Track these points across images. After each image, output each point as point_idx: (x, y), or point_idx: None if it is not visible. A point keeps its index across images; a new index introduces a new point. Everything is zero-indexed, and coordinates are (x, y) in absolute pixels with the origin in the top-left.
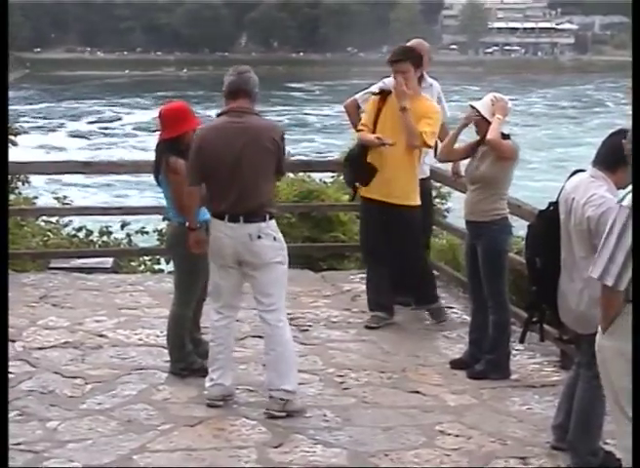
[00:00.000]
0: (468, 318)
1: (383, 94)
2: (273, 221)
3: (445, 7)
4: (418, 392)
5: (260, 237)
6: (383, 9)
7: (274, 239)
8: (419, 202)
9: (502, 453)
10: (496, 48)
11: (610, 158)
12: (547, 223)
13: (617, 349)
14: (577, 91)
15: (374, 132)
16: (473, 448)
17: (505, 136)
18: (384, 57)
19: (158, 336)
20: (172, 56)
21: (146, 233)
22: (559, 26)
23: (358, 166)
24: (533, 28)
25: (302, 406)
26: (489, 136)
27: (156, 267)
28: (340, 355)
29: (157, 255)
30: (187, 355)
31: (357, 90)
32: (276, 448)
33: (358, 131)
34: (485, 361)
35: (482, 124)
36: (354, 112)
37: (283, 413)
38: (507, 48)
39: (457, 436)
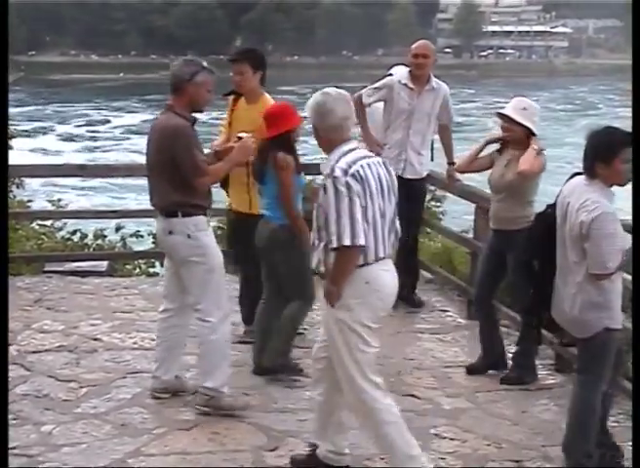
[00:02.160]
0: (463, 321)
1: (237, 94)
2: (192, 219)
3: (440, 10)
4: (413, 395)
5: (170, 233)
6: (379, 12)
7: (188, 236)
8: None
9: (497, 457)
10: (490, 51)
11: (601, 152)
12: (545, 226)
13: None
14: (570, 94)
15: (229, 133)
16: (468, 451)
17: (538, 151)
18: (379, 60)
19: (153, 340)
20: (167, 58)
21: (141, 236)
22: (553, 30)
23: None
24: (527, 32)
25: (240, 404)
26: (522, 168)
27: (151, 270)
28: None
29: (152, 259)
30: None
31: (352, 92)
32: (271, 451)
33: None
34: (519, 367)
35: (513, 129)
36: (360, 109)
37: (207, 409)
38: (502, 51)
39: (452, 439)
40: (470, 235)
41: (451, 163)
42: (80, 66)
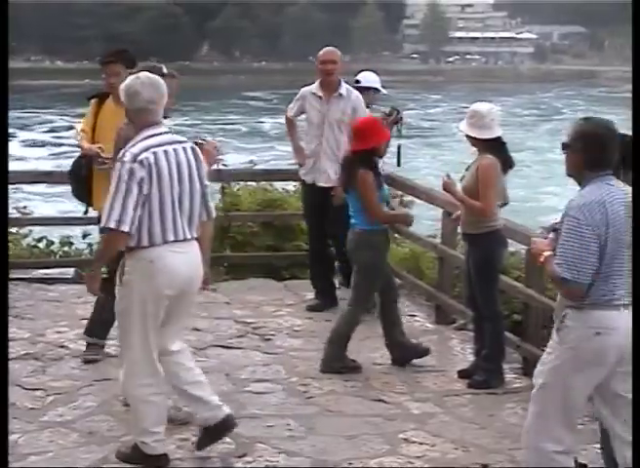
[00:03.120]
0: (431, 326)
1: (102, 96)
2: None
3: (406, 16)
4: (381, 400)
5: None
6: (345, 18)
7: None
8: None
9: (465, 460)
10: (456, 57)
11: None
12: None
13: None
14: (535, 99)
15: (93, 137)
16: (437, 455)
17: (495, 150)
18: (346, 66)
19: (119, 347)
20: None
21: None
22: (519, 36)
23: (80, 179)
24: (493, 38)
25: (182, 416)
26: (479, 207)
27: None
28: (303, 364)
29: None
30: (344, 354)
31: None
32: (240, 457)
33: (79, 140)
34: (484, 370)
35: (470, 140)
36: (288, 122)
37: None
38: (468, 57)
39: (420, 444)
40: (438, 240)
41: None
42: (45, 72)
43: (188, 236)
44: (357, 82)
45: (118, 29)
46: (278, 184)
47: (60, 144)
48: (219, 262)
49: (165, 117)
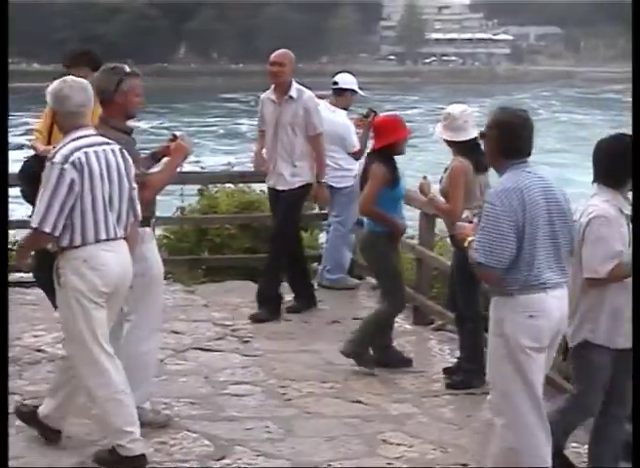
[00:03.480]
0: (409, 327)
1: None
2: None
3: (383, 18)
4: (359, 401)
5: None
6: (322, 20)
7: None
8: None
9: (444, 461)
10: (433, 58)
11: (611, 177)
12: None
13: None
14: (512, 100)
15: (49, 140)
16: (415, 456)
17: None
18: (323, 67)
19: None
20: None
21: None
22: (495, 37)
23: (31, 180)
24: (470, 39)
25: (162, 419)
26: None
27: None
28: (281, 366)
29: None
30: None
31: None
32: (218, 460)
33: (32, 141)
34: (464, 371)
35: (445, 142)
36: (260, 137)
37: None
38: (445, 58)
39: (399, 444)
40: (416, 241)
41: (319, 181)
42: (22, 74)
43: (119, 235)
44: (334, 83)
45: (95, 31)
46: (256, 186)
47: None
48: (197, 265)
49: (132, 117)
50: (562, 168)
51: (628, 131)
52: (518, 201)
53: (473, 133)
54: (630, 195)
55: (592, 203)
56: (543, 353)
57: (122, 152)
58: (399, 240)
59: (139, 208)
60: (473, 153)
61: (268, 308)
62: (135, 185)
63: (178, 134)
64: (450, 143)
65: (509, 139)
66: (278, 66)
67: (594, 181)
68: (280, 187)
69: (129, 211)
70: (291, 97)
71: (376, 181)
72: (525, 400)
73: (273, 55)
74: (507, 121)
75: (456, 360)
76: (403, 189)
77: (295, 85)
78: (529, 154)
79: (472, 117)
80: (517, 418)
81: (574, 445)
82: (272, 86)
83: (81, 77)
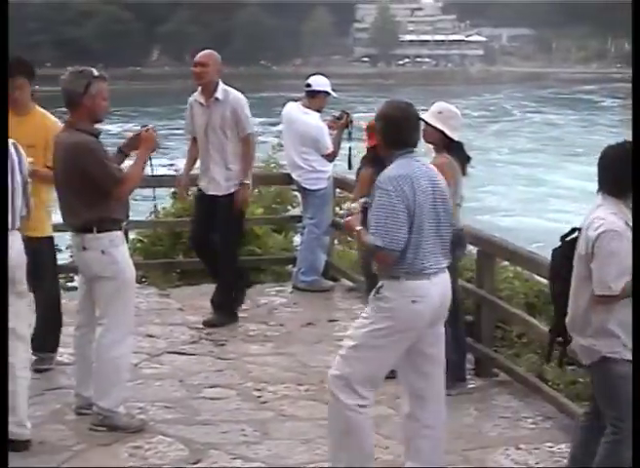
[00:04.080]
0: None
1: None
2: (108, 235)
3: (356, 20)
4: None
5: (84, 249)
6: (295, 22)
7: (102, 253)
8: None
9: None
10: (407, 60)
11: (617, 186)
12: (566, 249)
13: None
14: (486, 101)
15: None
16: (390, 457)
17: (456, 150)
18: (297, 70)
19: (72, 355)
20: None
21: (59, 250)
22: (468, 39)
23: None
24: (443, 41)
25: (137, 423)
26: None
27: (69, 285)
28: (257, 369)
29: (70, 273)
30: None
31: (267, 102)
32: (194, 464)
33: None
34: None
35: (428, 132)
36: (192, 144)
37: (102, 428)
38: (418, 60)
39: (374, 446)
40: None
41: (241, 182)
42: None
43: (16, 226)
44: (308, 85)
45: (68, 35)
46: None
47: None
48: (171, 268)
49: (99, 121)
50: (532, 167)
51: (600, 129)
52: (409, 187)
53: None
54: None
55: (599, 215)
56: (416, 335)
57: (16, 147)
58: None
59: (32, 201)
60: (460, 152)
61: (222, 313)
62: (29, 179)
63: (149, 126)
64: (439, 140)
65: (394, 131)
66: (201, 67)
67: (599, 190)
68: (213, 192)
69: (22, 205)
70: (217, 99)
71: (359, 186)
72: (366, 369)
73: (197, 55)
74: (391, 114)
75: None
76: None
77: (221, 86)
78: (415, 145)
79: None
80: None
81: (548, 444)
82: (199, 88)
83: (19, 87)
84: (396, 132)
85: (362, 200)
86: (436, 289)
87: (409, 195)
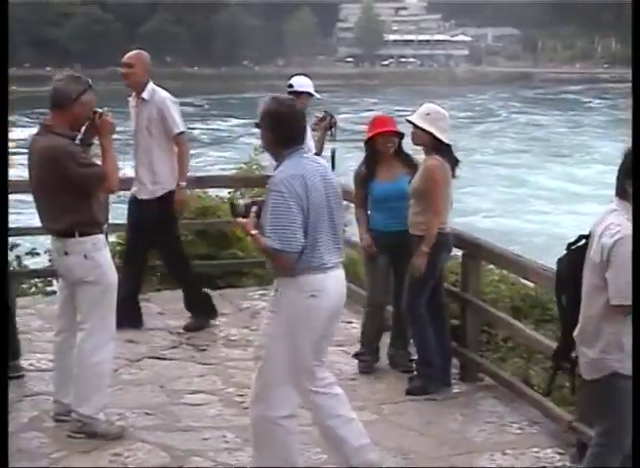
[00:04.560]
0: None
1: None
2: (90, 238)
3: (340, 19)
4: None
5: (66, 253)
6: (278, 22)
7: (85, 257)
8: None
9: None
10: (391, 60)
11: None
12: (574, 257)
13: None
14: (471, 101)
15: None
16: None
17: (445, 152)
18: (280, 70)
19: (50, 361)
20: (62, 71)
21: (37, 254)
22: (453, 38)
23: None
24: (427, 40)
25: (116, 430)
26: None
27: (48, 289)
28: (239, 374)
29: (49, 277)
30: None
31: (249, 103)
32: None
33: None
34: (422, 376)
35: (417, 134)
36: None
37: (82, 435)
38: (403, 60)
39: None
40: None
41: (178, 184)
42: None
43: None
44: (290, 86)
45: (47, 35)
46: (212, 191)
47: None
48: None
49: (77, 130)
50: (516, 168)
51: (586, 130)
52: (301, 186)
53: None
54: None
55: (615, 221)
56: (321, 329)
57: None
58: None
59: None
60: (449, 153)
61: (199, 316)
62: None
63: (99, 110)
64: (429, 142)
65: (282, 129)
66: (127, 68)
67: (617, 195)
68: (141, 196)
69: None
70: (143, 99)
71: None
72: (289, 372)
73: (125, 56)
74: (276, 111)
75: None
76: (379, 188)
77: (150, 86)
78: (302, 142)
79: None
80: (275, 389)
81: (534, 449)
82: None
83: None
84: (284, 129)
85: (248, 201)
86: (333, 282)
87: (302, 195)
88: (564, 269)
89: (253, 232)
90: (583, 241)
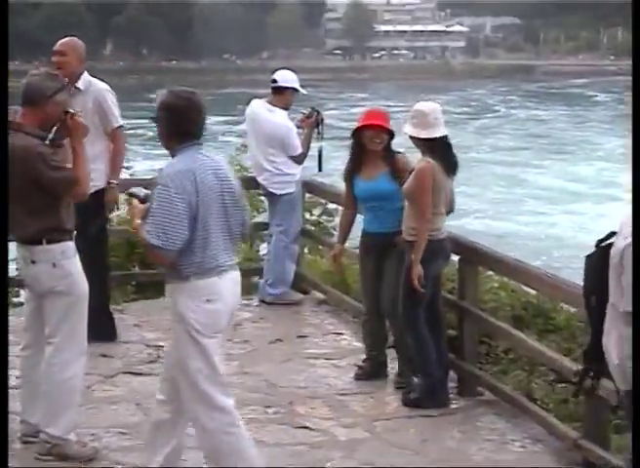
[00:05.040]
0: (358, 344)
1: None
2: (59, 246)
3: (328, 9)
4: (306, 427)
5: (33, 262)
6: (261, 12)
7: (53, 265)
8: None
9: None
10: (383, 52)
11: None
12: (603, 255)
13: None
14: (469, 96)
15: None
16: None
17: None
18: (264, 63)
19: (17, 378)
20: (31, 65)
21: None
22: (449, 29)
23: None
24: (422, 31)
25: (89, 451)
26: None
27: (15, 300)
28: None
29: (16, 287)
30: None
31: (230, 99)
32: None
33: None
34: (419, 389)
35: (413, 141)
36: None
37: (51, 457)
38: (395, 52)
39: None
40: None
41: (109, 182)
42: None
43: None
44: (274, 81)
45: (14, 26)
46: None
47: None
48: (126, 281)
49: (46, 130)
50: (514, 167)
51: (592, 126)
52: (191, 182)
53: (444, 130)
54: None
55: (629, 222)
56: (221, 335)
57: None
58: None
59: None
60: (444, 153)
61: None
62: None
63: (70, 110)
64: (419, 142)
65: (176, 122)
66: (59, 56)
67: None
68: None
69: None
70: (78, 89)
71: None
72: (210, 382)
73: (57, 43)
74: (172, 103)
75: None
76: (360, 187)
77: (85, 76)
78: (199, 136)
79: (441, 114)
80: (206, 402)
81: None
82: None
83: None
84: (180, 123)
85: (135, 190)
86: (228, 285)
87: (191, 191)
88: (592, 268)
89: (137, 221)
90: (614, 239)
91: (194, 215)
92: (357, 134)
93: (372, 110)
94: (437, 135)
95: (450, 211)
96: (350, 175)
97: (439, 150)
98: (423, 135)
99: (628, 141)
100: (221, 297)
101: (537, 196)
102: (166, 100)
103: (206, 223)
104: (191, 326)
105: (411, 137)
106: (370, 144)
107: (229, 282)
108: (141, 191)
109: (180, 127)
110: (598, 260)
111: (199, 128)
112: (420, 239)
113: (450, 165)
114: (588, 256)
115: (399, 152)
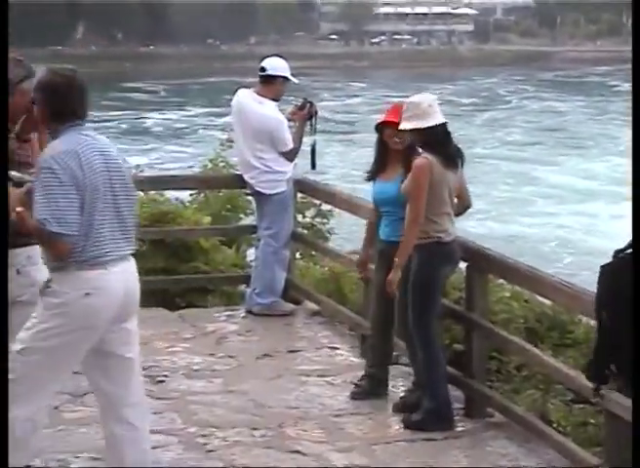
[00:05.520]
0: (356, 360)
1: None
2: (24, 250)
3: None
4: (297, 452)
5: None
6: None
7: (17, 272)
8: None
9: None
10: (383, 37)
11: None
12: (619, 266)
13: None
14: (477, 86)
15: None
16: None
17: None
18: (252, 49)
19: None
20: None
21: None
22: (456, 11)
23: None
24: (425, 14)
25: None
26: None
27: None
28: (203, 410)
29: None
30: None
31: (214, 88)
32: None
33: None
34: (423, 410)
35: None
36: None
37: None
38: (396, 37)
39: None
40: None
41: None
42: None
43: None
44: (262, 70)
45: None
46: (170, 194)
47: None
48: None
49: (12, 123)
50: (524, 163)
51: (613, 118)
52: (76, 164)
53: (440, 118)
54: None
55: None
56: (96, 335)
57: None
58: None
59: None
60: (442, 145)
61: None
62: None
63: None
64: (417, 137)
65: (58, 102)
66: None
67: None
68: None
69: None
70: None
71: None
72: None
73: None
74: (50, 81)
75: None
76: (375, 189)
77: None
78: (83, 116)
79: (436, 103)
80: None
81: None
82: None
83: None
84: (60, 102)
85: (17, 174)
86: (117, 278)
87: (77, 173)
88: (606, 280)
89: (18, 209)
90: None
91: (81, 199)
92: (380, 130)
93: (395, 105)
94: (433, 122)
95: (467, 207)
96: (373, 175)
97: (436, 141)
98: (414, 125)
99: None
100: (105, 292)
101: (546, 195)
102: (44, 79)
103: (92, 209)
104: (63, 319)
105: (411, 134)
106: (390, 142)
107: (118, 274)
108: (15, 175)
109: (61, 106)
110: (612, 272)
111: (81, 107)
112: (407, 241)
113: (449, 156)
114: (603, 266)
115: (422, 153)
